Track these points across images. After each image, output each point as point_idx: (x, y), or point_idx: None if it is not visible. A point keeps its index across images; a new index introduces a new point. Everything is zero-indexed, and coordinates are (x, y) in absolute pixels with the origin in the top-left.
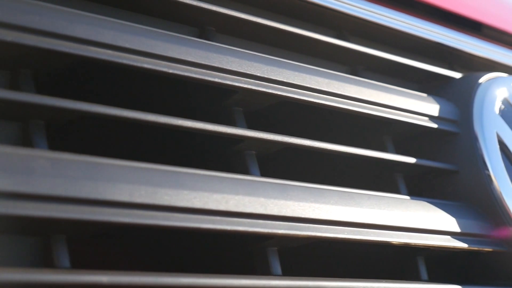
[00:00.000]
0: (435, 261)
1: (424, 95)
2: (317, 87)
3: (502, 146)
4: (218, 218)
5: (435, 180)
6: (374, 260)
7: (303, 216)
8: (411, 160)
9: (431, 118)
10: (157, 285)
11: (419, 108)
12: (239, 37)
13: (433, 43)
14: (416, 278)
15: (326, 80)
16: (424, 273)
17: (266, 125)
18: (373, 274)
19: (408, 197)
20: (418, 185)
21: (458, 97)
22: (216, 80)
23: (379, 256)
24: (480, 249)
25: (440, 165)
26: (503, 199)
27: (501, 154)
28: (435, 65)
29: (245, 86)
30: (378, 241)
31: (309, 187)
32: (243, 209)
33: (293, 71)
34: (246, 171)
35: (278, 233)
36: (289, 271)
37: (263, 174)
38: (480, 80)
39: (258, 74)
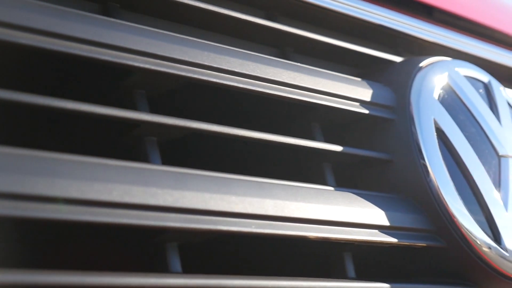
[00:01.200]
0: (367, 257)
1: (358, 79)
2: (229, 68)
3: (440, 133)
4: (98, 209)
5: (369, 171)
6: (300, 257)
7: (203, 208)
8: (338, 148)
9: (363, 103)
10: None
11: (350, 93)
12: (149, 14)
13: (375, 26)
14: (343, 276)
15: (240, 61)
16: (351, 271)
17: (177, 111)
18: (298, 272)
19: (331, 188)
20: (352, 176)
21: (397, 82)
22: (107, 58)
23: (306, 253)
24: (413, 244)
25: (371, 154)
26: (439, 190)
27: (439, 143)
28: (378, 50)
29: (143, 65)
30: (290, 235)
31: (213, 176)
32: (130, 199)
33: (201, 50)
34: (146, 159)
35: (172, 226)
36: (198, 270)
37: (171, 164)
38: (421, 64)
39: (159, 53)
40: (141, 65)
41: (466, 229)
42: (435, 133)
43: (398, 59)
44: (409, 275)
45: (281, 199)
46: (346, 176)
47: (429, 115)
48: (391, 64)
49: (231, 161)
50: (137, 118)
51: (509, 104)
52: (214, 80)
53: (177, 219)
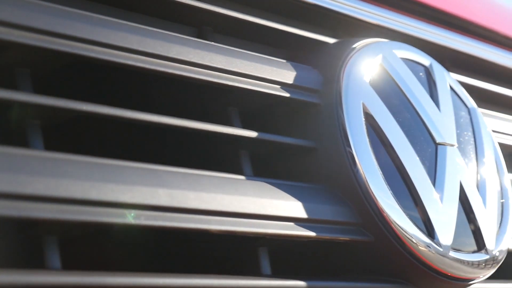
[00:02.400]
0: (291, 253)
1: (281, 61)
2: (128, 46)
3: (369, 119)
4: None
5: (293, 160)
6: (216, 252)
7: (82, 197)
8: (253, 134)
9: (285, 86)
10: None
11: (270, 75)
12: None
13: (310, 6)
14: (257, 273)
15: (138, 38)
16: (266, 267)
17: (70, 93)
18: (213, 269)
19: (242, 177)
20: (276, 166)
21: (326, 64)
22: None
23: (223, 248)
24: (335, 238)
25: (292, 141)
26: (367, 181)
27: (367, 129)
28: (316, 32)
29: (19, 40)
30: (186, 228)
31: (98, 162)
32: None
33: (92, 26)
34: (26, 144)
35: (43, 218)
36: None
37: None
38: (355, 45)
39: (40, 27)
40: (17, 40)
41: (395, 222)
42: (364, 119)
43: (330, 40)
44: (336, 271)
45: (179, 188)
46: (269, 166)
47: (357, 99)
48: (322, 45)
49: (135, 149)
50: (14, 99)
51: (452, 89)
52: (104, 57)
53: (51, 210)
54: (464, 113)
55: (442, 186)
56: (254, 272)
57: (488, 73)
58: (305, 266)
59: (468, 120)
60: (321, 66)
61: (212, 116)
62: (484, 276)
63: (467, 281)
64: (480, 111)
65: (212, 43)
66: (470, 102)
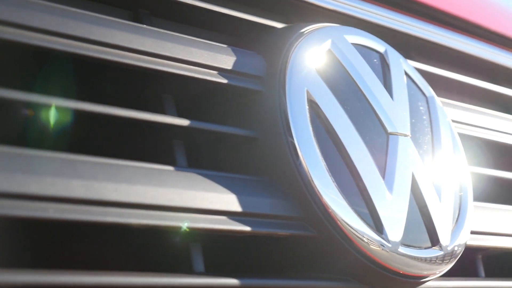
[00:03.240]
0: (232, 249)
1: (221, 45)
2: (47, 28)
3: (314, 107)
4: None
5: (234, 150)
6: (149, 248)
7: None
8: (185, 122)
9: (224, 72)
10: None
11: (207, 60)
12: None
13: None
14: (189, 270)
15: (57, 19)
16: (199, 264)
17: None
18: (143, 266)
19: (171, 168)
20: (217, 158)
21: (271, 49)
22: None
23: (157, 244)
24: (274, 233)
25: (231, 130)
26: (309, 172)
27: (312, 118)
28: (267, 17)
29: None
30: (102, 222)
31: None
32: None
33: (8, 6)
34: None
35: None
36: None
37: None
38: (303, 30)
39: None
40: None
41: (340, 217)
42: (307, 107)
43: (279, 25)
44: (282, 269)
45: (96, 180)
46: (209, 157)
47: (301, 86)
48: (271, 30)
49: (58, 140)
50: None
51: (409, 77)
52: (21, 40)
53: None
54: (421, 102)
55: (392, 178)
56: (186, 269)
57: (456, 63)
58: (249, 264)
59: (425, 109)
60: (266, 51)
61: (146, 105)
62: (440, 272)
63: (419, 278)
64: (441, 100)
65: (143, 25)
66: (429, 90)
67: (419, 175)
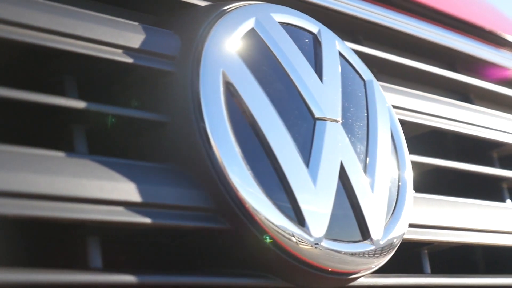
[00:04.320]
0: (137, 244)
1: (133, 23)
2: None
3: (231, 90)
4: None
5: (144, 136)
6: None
7: None
8: (83, 105)
9: (130, 51)
10: None
11: (112, 38)
12: None
13: None
14: (85, 266)
15: None
16: (96, 260)
17: None
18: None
19: (61, 154)
20: (123, 143)
21: (189, 28)
22: None
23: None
24: (180, 225)
25: (138, 114)
26: (221, 160)
27: (228, 101)
28: None
29: None
30: None
31: None
32: None
33: None
34: None
35: None
36: None
37: None
38: (225, 7)
39: None
40: None
41: (255, 208)
42: (223, 89)
43: (202, 3)
44: (198, 265)
45: None
46: (116, 144)
47: (216, 67)
48: (193, 8)
49: None
50: None
51: (346, 59)
52: None
53: None
54: (358, 86)
55: (316, 167)
56: (82, 265)
57: (412, 49)
58: (168, 260)
59: (362, 94)
60: (183, 30)
61: (48, 87)
62: (373, 267)
63: (347, 274)
64: (382, 84)
65: None
66: (367, 74)
67: (349, 164)
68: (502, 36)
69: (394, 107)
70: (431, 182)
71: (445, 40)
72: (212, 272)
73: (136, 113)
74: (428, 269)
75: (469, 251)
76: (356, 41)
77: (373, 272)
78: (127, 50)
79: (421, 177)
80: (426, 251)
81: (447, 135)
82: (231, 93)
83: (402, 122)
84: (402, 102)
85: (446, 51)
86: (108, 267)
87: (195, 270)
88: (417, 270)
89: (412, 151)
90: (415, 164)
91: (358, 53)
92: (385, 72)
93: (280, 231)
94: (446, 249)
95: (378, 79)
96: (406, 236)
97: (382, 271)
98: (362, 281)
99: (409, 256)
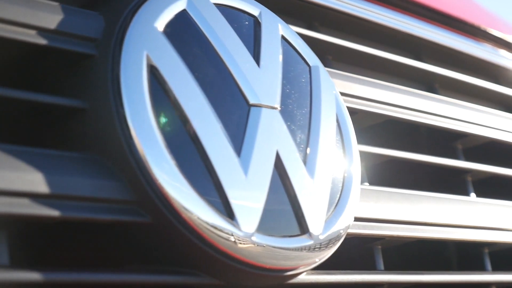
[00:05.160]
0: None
1: (51, 3)
2: None
3: (156, 74)
4: None
5: (60, 123)
6: None
7: None
8: None
9: (47, 32)
10: None
11: (27, 19)
12: None
13: None
14: None
15: None
16: (4, 256)
17: None
18: None
19: None
20: (38, 131)
21: (116, 8)
22: None
23: None
24: (93, 218)
25: (53, 99)
26: (142, 149)
27: (152, 86)
28: None
29: None
30: None
31: None
32: None
33: None
34: None
35: None
36: None
37: None
38: None
39: None
40: None
41: (178, 201)
42: (146, 74)
43: None
44: (118, 261)
45: None
46: (30, 132)
47: (140, 49)
48: None
49: None
50: None
51: (289, 43)
52: None
53: None
54: (302, 71)
55: (249, 157)
56: None
57: (368, 35)
58: (98, 256)
59: (306, 80)
60: (109, 11)
61: None
62: (313, 263)
63: (282, 271)
64: (330, 71)
65: None
66: (313, 59)
67: (286, 153)
68: (470, 23)
69: (345, 94)
70: (392, 175)
71: (409, 27)
72: (132, 270)
73: (50, 99)
74: (381, 266)
75: (440, 247)
76: (311, 27)
77: (317, 269)
78: (42, 31)
79: (378, 169)
80: (379, 247)
81: (415, 127)
82: (155, 77)
83: (354, 111)
84: (354, 89)
85: (411, 39)
86: (16, 264)
87: (117, 267)
88: (371, 267)
89: (372, 142)
90: (368, 155)
91: (312, 39)
92: (342, 60)
93: (206, 225)
94: (418, 246)
95: (334, 67)
96: (354, 231)
97: (333, 267)
98: (303, 278)
99: (364, 253)
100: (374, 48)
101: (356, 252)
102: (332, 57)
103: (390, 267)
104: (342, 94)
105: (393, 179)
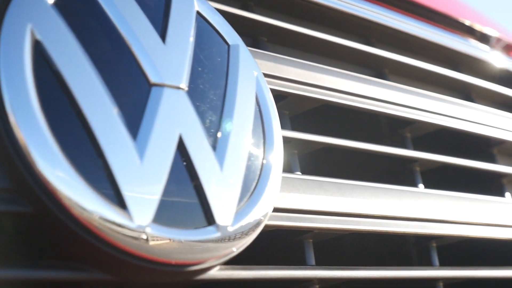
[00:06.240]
0: None
1: None
2: None
3: (40, 50)
4: None
5: None
6: None
7: None
8: None
9: None
10: None
11: None
12: None
13: None
14: None
15: None
16: None
17: None
18: None
19: None
20: None
21: None
22: None
23: None
24: None
25: None
26: (20, 132)
27: (37, 62)
28: None
29: None
30: None
31: None
32: None
33: None
34: None
35: None
36: None
37: None
38: None
39: None
40: None
41: (60, 189)
42: (30, 49)
43: None
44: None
45: None
46: None
47: (23, 22)
48: None
49: None
50: None
51: (206, 20)
52: None
53: None
54: (219, 50)
55: (146, 141)
56: None
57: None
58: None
59: (223, 59)
60: None
61: None
62: (223, 257)
63: (184, 266)
64: (253, 50)
65: None
66: (234, 38)
67: (191, 138)
68: (427, 7)
69: (273, 77)
70: (331, 165)
71: (356, 9)
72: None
73: None
74: (312, 261)
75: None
76: (245, 6)
77: (230, 264)
78: None
79: (316, 158)
80: (310, 240)
81: (359, 114)
82: (40, 54)
83: (284, 95)
84: (284, 71)
85: (359, 22)
86: None
87: None
88: (302, 262)
89: (311, 129)
90: (301, 142)
91: (244, 19)
92: (277, 42)
93: (92, 215)
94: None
95: (270, 50)
96: (276, 222)
97: (262, 262)
98: (215, 274)
99: (292, 247)
100: (320, 32)
101: (286, 246)
102: (267, 39)
103: (344, 263)
104: (270, 76)
105: (333, 169)
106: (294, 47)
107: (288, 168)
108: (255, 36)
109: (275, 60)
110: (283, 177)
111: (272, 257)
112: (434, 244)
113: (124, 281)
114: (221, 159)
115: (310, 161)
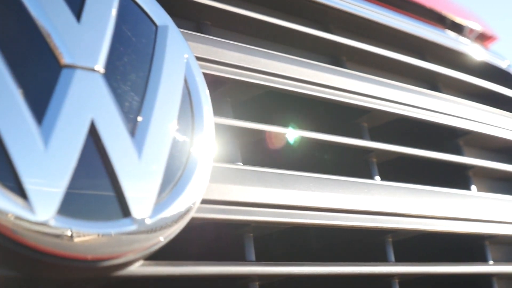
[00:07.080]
0: None
1: None
2: None
3: None
4: None
5: None
6: None
7: None
8: None
9: None
10: None
11: None
12: None
13: None
14: None
15: None
16: None
17: None
18: None
19: None
20: None
21: None
22: None
23: None
24: None
25: None
26: None
27: None
28: None
29: None
30: None
31: None
32: None
33: None
34: None
35: None
36: None
37: None
38: None
39: None
40: None
41: None
42: None
43: None
44: None
45: None
46: None
47: None
48: None
49: None
50: None
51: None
52: None
53: None
54: (144, 31)
55: (51, 126)
56: None
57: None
58: None
59: (149, 41)
60: None
61: None
62: (141, 252)
63: (97, 262)
64: (185, 32)
65: None
66: (163, 19)
67: (104, 123)
68: None
69: (209, 61)
70: (281, 157)
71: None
72: None
73: None
74: (252, 256)
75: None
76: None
77: (153, 260)
78: None
79: (260, 149)
80: (251, 235)
81: (316, 102)
82: None
83: (223, 80)
84: (225, 56)
85: (315, 6)
86: None
87: None
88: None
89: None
90: (244, 131)
91: (187, 2)
92: (223, 26)
93: None
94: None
95: (214, 35)
96: (205, 215)
97: (196, 258)
98: (135, 270)
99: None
100: (275, 18)
101: (229, 243)
102: (211, 23)
103: (308, 259)
104: (208, 60)
105: (281, 161)
106: (243, 32)
107: (229, 159)
108: (198, 20)
109: (214, 43)
110: (219, 167)
111: (216, 254)
112: (390, 239)
113: (34, 278)
114: (139, 146)
115: (254, 152)
